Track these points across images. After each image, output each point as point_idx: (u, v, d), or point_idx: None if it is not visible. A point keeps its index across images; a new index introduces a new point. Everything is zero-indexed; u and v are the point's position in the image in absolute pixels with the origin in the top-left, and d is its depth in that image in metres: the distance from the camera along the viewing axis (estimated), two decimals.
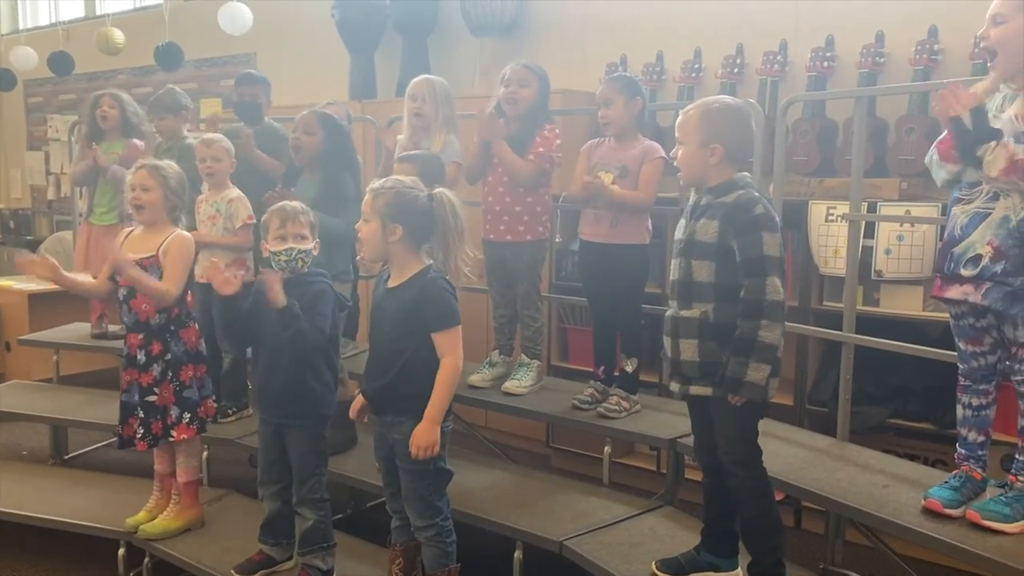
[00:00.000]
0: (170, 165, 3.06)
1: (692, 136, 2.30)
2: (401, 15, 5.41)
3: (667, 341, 2.36)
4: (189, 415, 2.99)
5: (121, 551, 3.13)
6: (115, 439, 3.07)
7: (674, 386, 2.38)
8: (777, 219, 2.27)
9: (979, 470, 2.46)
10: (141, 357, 2.94)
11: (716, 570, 2.38)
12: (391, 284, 2.47)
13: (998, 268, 2.23)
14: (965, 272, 2.29)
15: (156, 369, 2.93)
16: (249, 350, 3.33)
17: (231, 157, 3.57)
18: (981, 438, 2.47)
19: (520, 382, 3.42)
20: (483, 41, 5.12)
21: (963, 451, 2.49)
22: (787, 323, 2.38)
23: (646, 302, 3.37)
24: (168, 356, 2.95)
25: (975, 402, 2.47)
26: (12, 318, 5.49)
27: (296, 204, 2.74)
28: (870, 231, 3.36)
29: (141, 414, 2.94)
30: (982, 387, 2.46)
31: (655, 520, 2.85)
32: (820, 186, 3.67)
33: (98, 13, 7.88)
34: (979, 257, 2.27)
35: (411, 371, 2.40)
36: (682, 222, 2.38)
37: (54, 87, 8.33)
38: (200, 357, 3.04)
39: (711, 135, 2.27)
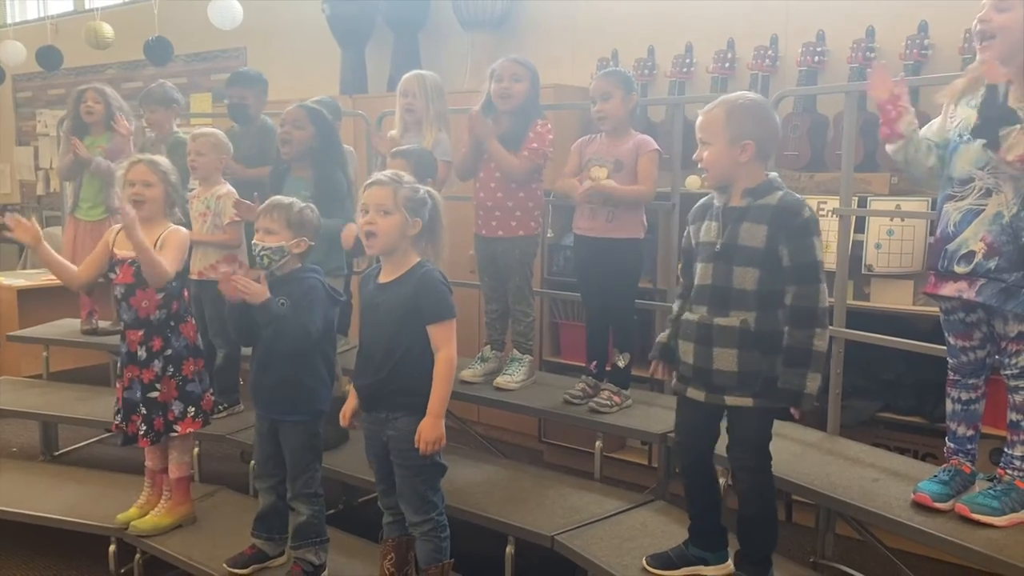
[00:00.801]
0: (164, 160, 3.04)
1: (720, 135, 2.22)
2: (392, 9, 5.40)
3: (691, 347, 2.26)
4: (194, 409, 3.00)
5: (112, 547, 3.12)
6: (106, 434, 3.07)
7: (696, 393, 2.27)
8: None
9: (968, 464, 2.47)
10: (142, 353, 2.93)
11: (706, 564, 2.39)
12: (385, 279, 2.45)
13: (992, 264, 2.24)
14: (959, 269, 2.30)
15: (157, 365, 2.93)
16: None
17: (218, 152, 3.52)
18: (970, 432, 2.49)
19: (512, 377, 3.42)
20: (474, 36, 5.10)
21: (952, 445, 2.50)
22: None
23: (638, 296, 3.37)
24: (169, 351, 2.94)
25: (964, 396, 2.48)
26: (1, 314, 5.45)
27: (277, 199, 2.71)
28: (860, 225, 3.37)
29: (143, 411, 2.93)
30: (971, 381, 2.47)
31: (647, 514, 2.86)
32: (811, 181, 3.68)
33: (87, 7, 7.83)
34: (972, 254, 2.27)
35: (406, 367, 2.40)
36: (711, 224, 2.27)
37: (43, 82, 8.27)
38: (199, 351, 3.05)
39: (740, 132, 2.19)
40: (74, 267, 3.04)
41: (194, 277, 3.32)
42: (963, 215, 2.31)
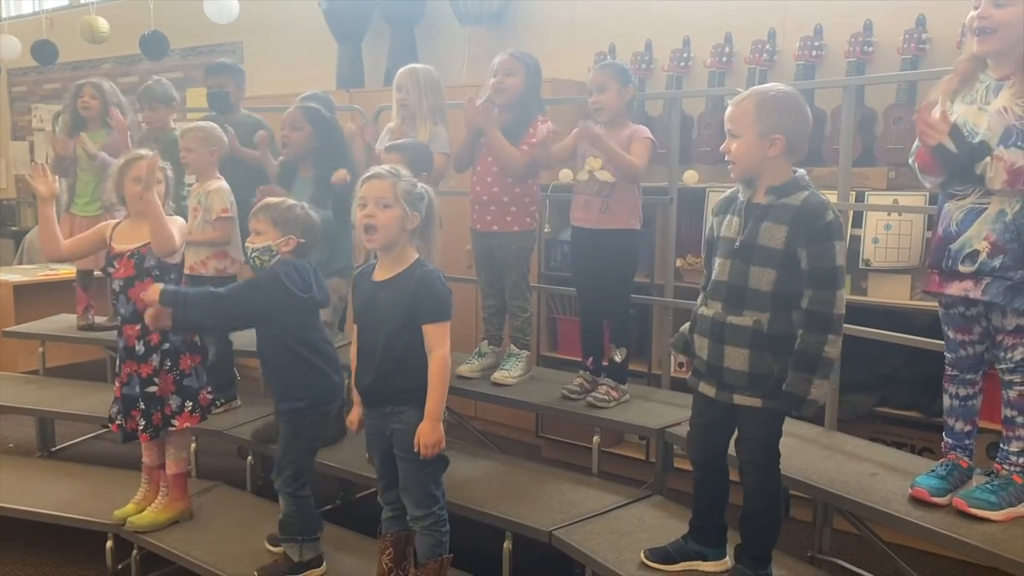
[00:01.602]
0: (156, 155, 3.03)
1: (750, 127, 2.15)
2: (388, 4, 5.38)
3: (704, 343, 2.23)
4: (191, 403, 3.00)
5: (109, 543, 3.12)
6: (103, 430, 3.06)
7: (707, 388, 2.25)
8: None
9: (966, 459, 2.47)
10: (140, 348, 2.92)
11: (704, 559, 2.38)
12: (382, 277, 2.44)
13: (996, 263, 2.23)
14: (963, 268, 2.29)
15: (155, 359, 2.93)
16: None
17: (207, 146, 3.49)
18: (968, 427, 2.49)
19: (509, 372, 3.42)
20: (471, 30, 5.09)
21: (950, 440, 2.50)
22: None
23: (634, 291, 3.37)
24: (166, 345, 2.94)
25: (962, 392, 2.48)
26: None
27: (268, 200, 2.71)
28: (858, 220, 3.37)
29: (142, 406, 2.93)
30: (969, 377, 2.46)
31: (644, 509, 2.86)
32: (808, 175, 3.66)
33: (82, 2, 7.80)
34: (976, 253, 2.26)
35: (409, 362, 2.39)
36: (733, 219, 2.22)
37: (38, 76, 8.25)
38: (196, 347, 3.04)
39: (771, 125, 2.13)
40: (61, 239, 3.00)
41: (186, 272, 3.31)
42: (965, 214, 2.30)
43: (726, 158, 2.21)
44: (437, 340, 2.37)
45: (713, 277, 2.25)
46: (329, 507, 3.41)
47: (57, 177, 4.90)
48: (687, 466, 2.52)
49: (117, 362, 3.04)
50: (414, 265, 2.41)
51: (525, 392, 3.38)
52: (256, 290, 2.64)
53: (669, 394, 3.46)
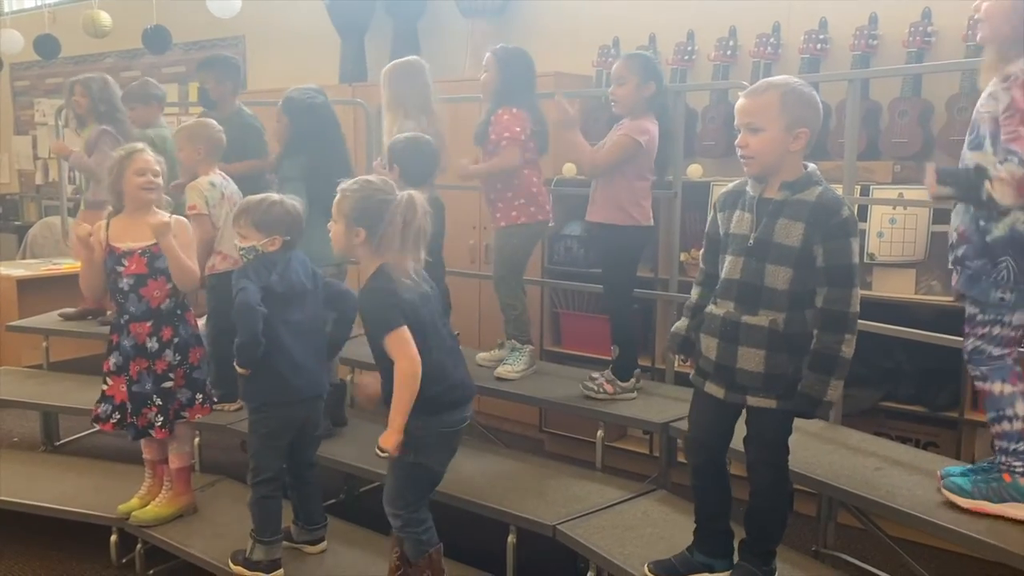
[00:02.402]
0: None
1: (775, 120, 2.07)
2: None
3: (714, 343, 2.17)
4: (201, 396, 3.01)
5: (113, 537, 3.13)
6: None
7: (715, 389, 2.20)
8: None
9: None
10: (152, 344, 2.91)
11: (711, 571, 2.31)
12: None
13: (960, 252, 2.30)
14: (949, 258, 2.38)
15: (169, 354, 2.93)
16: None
17: (193, 143, 3.38)
18: None
19: (512, 367, 3.41)
20: (474, 23, 5.07)
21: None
22: None
23: (638, 286, 3.36)
24: (177, 340, 2.94)
25: None
26: (1, 304, 5.44)
27: (244, 202, 2.70)
28: (863, 214, 3.35)
29: (159, 401, 2.92)
30: None
31: (648, 504, 2.86)
32: None
33: None
34: (952, 245, 2.35)
35: (388, 370, 2.34)
36: (744, 215, 2.16)
37: (41, 70, 8.24)
38: (199, 339, 3.05)
39: (796, 118, 2.07)
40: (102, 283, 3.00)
41: None
42: (955, 207, 2.37)
43: (742, 153, 2.13)
44: (392, 350, 2.30)
45: (724, 276, 2.19)
46: (333, 501, 3.41)
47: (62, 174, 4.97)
48: None
49: (115, 360, 2.96)
50: (368, 279, 2.36)
51: (528, 387, 3.38)
52: (240, 312, 2.58)
53: (673, 388, 3.46)
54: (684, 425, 2.47)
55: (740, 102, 2.14)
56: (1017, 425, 2.29)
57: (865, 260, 3.38)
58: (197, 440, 3.53)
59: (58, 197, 6.10)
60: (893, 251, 3.34)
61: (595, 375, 3.27)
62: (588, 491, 2.94)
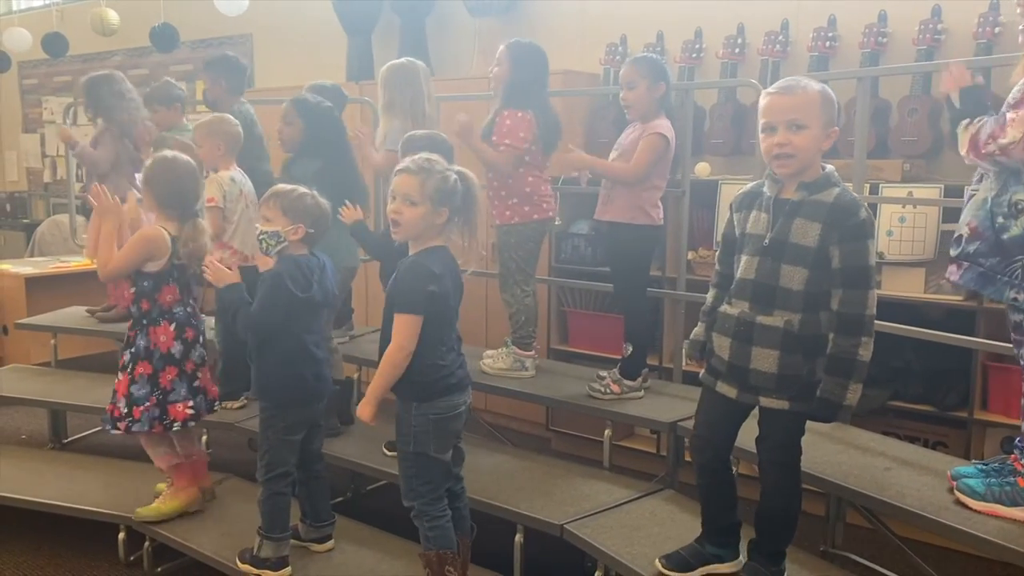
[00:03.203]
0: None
1: (817, 118, 2.04)
2: None
3: (727, 343, 2.16)
4: (127, 411, 3.01)
5: (121, 535, 3.13)
6: None
7: (727, 389, 2.19)
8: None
9: None
10: (129, 346, 2.96)
11: (721, 561, 2.32)
12: None
13: (972, 248, 2.25)
14: (952, 252, 2.32)
15: (127, 356, 2.96)
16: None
17: (213, 139, 3.38)
18: None
19: (491, 362, 3.43)
20: (481, 22, 5.07)
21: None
22: None
23: (648, 286, 3.35)
24: (133, 348, 2.95)
25: None
26: (9, 302, 5.46)
27: (278, 187, 2.68)
28: (872, 212, 3.33)
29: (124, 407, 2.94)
30: None
31: (656, 503, 2.85)
32: None
33: None
34: (961, 238, 2.29)
35: (390, 331, 2.35)
36: (760, 215, 2.14)
37: (49, 68, 8.26)
38: (152, 356, 2.99)
39: (831, 117, 2.07)
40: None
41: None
42: (967, 200, 2.33)
43: (780, 152, 2.06)
44: (398, 329, 2.32)
45: (739, 275, 2.18)
46: (340, 499, 3.41)
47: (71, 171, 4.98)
48: None
49: (137, 362, 2.94)
50: (420, 253, 2.37)
51: (535, 386, 3.37)
52: (266, 307, 2.59)
53: (681, 387, 3.45)
54: (692, 424, 2.46)
55: (775, 99, 2.08)
56: None
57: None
58: (205, 438, 3.54)
59: (66, 195, 6.12)
60: (903, 250, 3.33)
61: (602, 374, 3.27)
62: (596, 490, 2.93)
